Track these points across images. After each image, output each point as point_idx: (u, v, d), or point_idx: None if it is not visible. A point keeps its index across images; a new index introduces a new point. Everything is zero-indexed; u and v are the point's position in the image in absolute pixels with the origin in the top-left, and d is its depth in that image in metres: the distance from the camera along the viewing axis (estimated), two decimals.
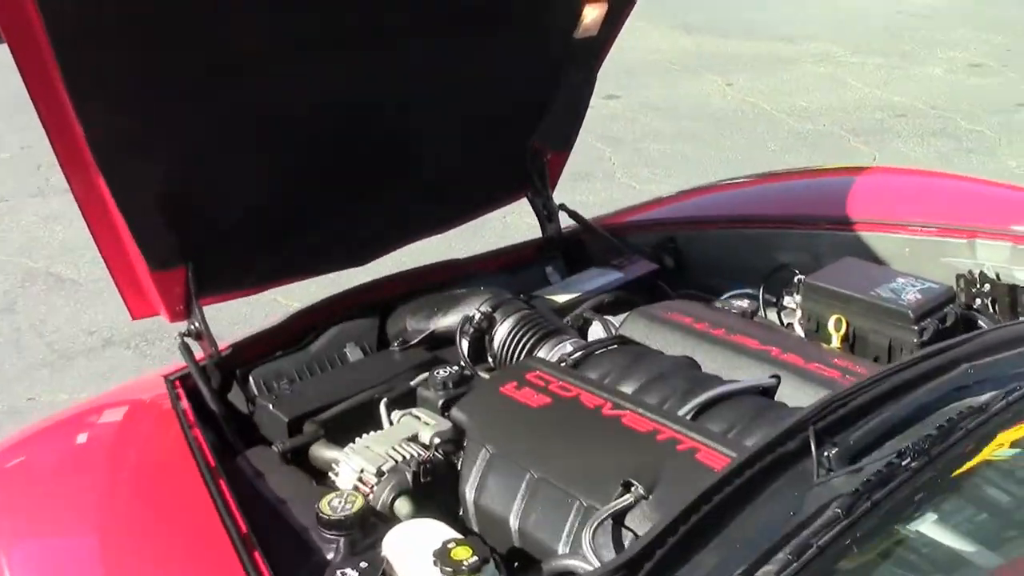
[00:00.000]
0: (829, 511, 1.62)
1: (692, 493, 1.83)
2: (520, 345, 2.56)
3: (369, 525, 1.95)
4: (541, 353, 2.53)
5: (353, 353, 2.72)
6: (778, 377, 2.25)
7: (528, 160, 3.18)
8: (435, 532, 1.87)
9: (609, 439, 2.09)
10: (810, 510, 1.65)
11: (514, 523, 2.05)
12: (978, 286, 2.69)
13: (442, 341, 2.72)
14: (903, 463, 1.70)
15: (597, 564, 1.81)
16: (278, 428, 2.39)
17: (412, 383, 2.47)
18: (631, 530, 1.88)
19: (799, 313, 2.75)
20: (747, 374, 2.30)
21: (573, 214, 3.29)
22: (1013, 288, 2.64)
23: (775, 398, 2.25)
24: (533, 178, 3.19)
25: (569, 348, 2.50)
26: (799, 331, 2.72)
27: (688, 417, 2.14)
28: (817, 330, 2.63)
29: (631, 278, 2.98)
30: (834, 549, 1.59)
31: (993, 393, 1.92)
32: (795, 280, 2.80)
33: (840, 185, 3.19)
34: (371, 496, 2.11)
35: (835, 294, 2.59)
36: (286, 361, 2.65)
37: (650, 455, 2.00)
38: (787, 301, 2.89)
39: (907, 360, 1.98)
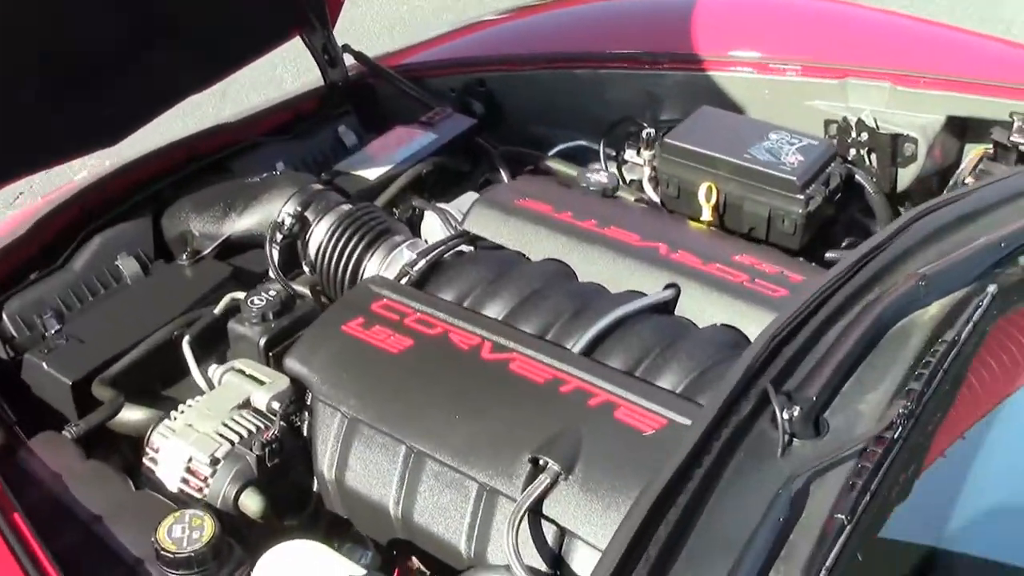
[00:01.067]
0: (830, 516, 1.30)
1: (634, 477, 1.51)
2: (344, 252, 2.09)
3: (225, 553, 1.51)
4: (374, 263, 2.08)
5: (128, 267, 2.19)
6: (676, 287, 1.89)
7: None
8: (322, 562, 1.46)
9: (499, 395, 1.69)
10: (789, 502, 1.32)
11: (395, 511, 1.66)
12: (854, 135, 2.38)
13: (239, 247, 2.23)
14: (895, 436, 1.39)
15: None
16: (60, 394, 1.89)
17: (217, 311, 2.00)
18: (553, 521, 1.53)
19: (647, 171, 2.40)
20: (634, 282, 1.93)
21: (359, 55, 2.78)
22: (895, 138, 2.35)
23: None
24: (308, 14, 2.64)
25: (408, 255, 2.06)
26: (650, 193, 2.37)
27: (581, 351, 1.77)
28: (678, 196, 2.29)
29: (448, 139, 2.51)
30: (841, 567, 1.28)
31: (942, 303, 1.64)
32: (643, 134, 2.44)
33: (679, 10, 2.76)
34: (206, 492, 1.66)
35: (702, 157, 2.23)
36: (44, 285, 2.11)
37: (556, 416, 1.62)
38: (630, 156, 2.54)
39: (846, 269, 1.67)
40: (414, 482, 1.65)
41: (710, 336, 1.81)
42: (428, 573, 1.71)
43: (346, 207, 2.15)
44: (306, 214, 2.14)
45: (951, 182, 2.40)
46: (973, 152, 2.39)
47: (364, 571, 1.43)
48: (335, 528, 1.76)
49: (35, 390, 1.94)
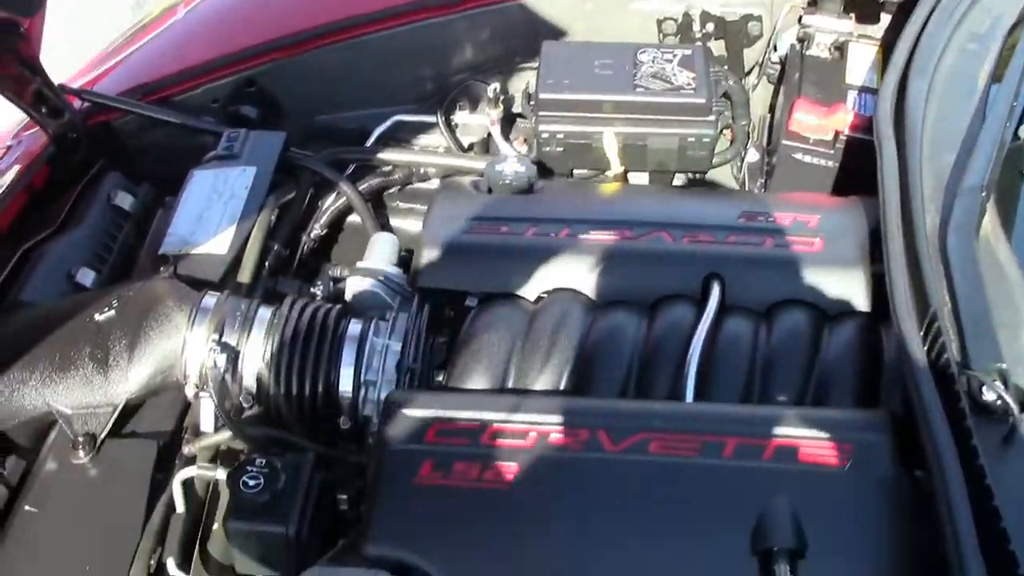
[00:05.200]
0: None
1: (863, 522, 1.38)
2: (306, 368, 1.69)
3: None
4: (346, 368, 1.69)
5: None
6: (719, 277, 1.70)
7: None
8: None
9: (666, 492, 1.42)
10: None
11: None
12: (697, 28, 2.22)
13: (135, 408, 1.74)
14: None
15: None
16: None
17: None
18: None
19: (497, 130, 2.18)
20: (665, 285, 1.73)
21: (87, 93, 2.24)
22: (746, 18, 2.21)
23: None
24: (10, 64, 2.04)
25: (379, 343, 1.70)
26: (505, 148, 2.15)
27: (692, 396, 1.57)
28: (564, 152, 2.07)
29: (271, 166, 2.05)
30: None
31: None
32: (489, 92, 2.18)
33: None
34: None
35: (590, 104, 2.03)
36: None
37: (746, 490, 1.40)
38: (461, 118, 2.26)
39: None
40: None
41: (790, 325, 1.66)
42: None
43: (266, 311, 1.73)
44: (226, 339, 1.71)
45: (771, 43, 2.32)
46: (787, 7, 2.30)
47: None
48: None
49: None
